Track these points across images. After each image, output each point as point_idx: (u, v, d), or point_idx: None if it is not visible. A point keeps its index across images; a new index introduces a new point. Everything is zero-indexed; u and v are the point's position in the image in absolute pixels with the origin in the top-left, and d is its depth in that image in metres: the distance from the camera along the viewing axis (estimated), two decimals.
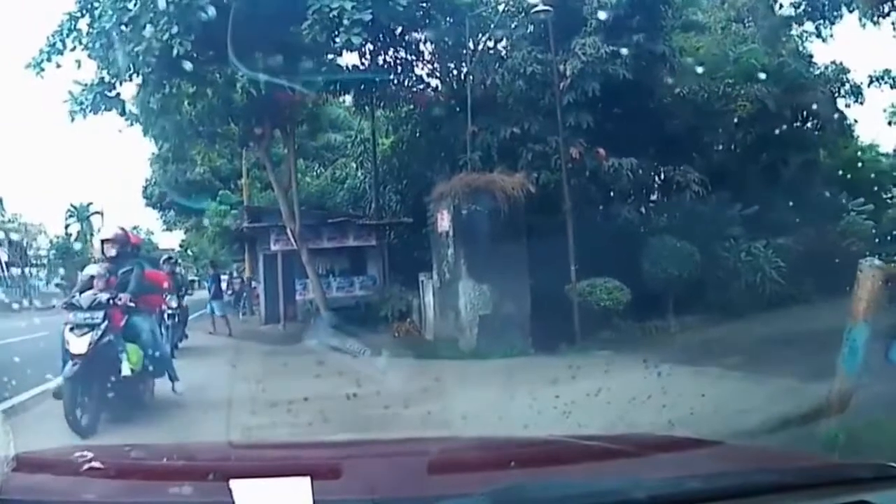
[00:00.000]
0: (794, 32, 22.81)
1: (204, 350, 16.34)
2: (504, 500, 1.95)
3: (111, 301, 8.89)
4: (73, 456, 2.60)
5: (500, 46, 19.01)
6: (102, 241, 9.94)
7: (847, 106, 21.53)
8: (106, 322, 8.72)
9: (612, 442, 2.96)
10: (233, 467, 2.65)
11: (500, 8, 18.03)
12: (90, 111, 17.96)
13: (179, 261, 16.94)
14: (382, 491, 2.05)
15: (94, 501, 2.16)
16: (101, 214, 53.21)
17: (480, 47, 18.42)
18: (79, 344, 8.48)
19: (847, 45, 35.55)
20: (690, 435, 3.96)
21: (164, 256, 17.22)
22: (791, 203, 18.78)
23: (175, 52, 15.20)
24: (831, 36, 22.60)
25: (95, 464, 2.42)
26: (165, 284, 11.35)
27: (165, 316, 14.45)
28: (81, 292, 9.05)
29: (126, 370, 8.79)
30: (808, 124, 21.18)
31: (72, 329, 8.61)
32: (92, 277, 9.29)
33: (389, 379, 10.22)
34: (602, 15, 16.43)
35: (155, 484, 2.32)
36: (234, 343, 18.22)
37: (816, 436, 4.90)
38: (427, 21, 17.26)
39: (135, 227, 57.24)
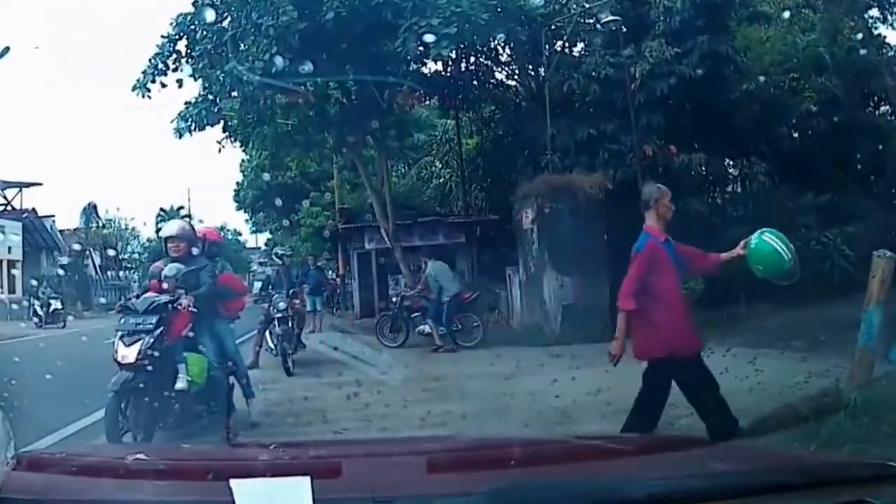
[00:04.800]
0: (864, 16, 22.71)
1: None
2: (504, 500, 1.93)
3: (170, 305, 7.77)
4: (73, 455, 2.67)
5: (574, 52, 19.87)
6: (166, 239, 8.57)
7: None
8: (161, 328, 7.60)
9: (612, 442, 2.94)
10: (233, 467, 2.60)
11: (574, 17, 18.71)
12: (196, 128, 19.47)
13: (288, 254, 15.39)
14: (382, 490, 2.00)
15: (94, 501, 2.10)
16: (190, 217, 55.16)
17: (556, 53, 19.24)
18: (127, 352, 7.46)
19: None
20: (691, 434, 4.74)
21: (275, 251, 16.49)
22: (865, 191, 19.06)
23: (275, 69, 16.51)
24: None
25: (96, 463, 2.50)
26: (242, 289, 9.98)
27: (275, 322, 13.40)
28: (141, 295, 8.12)
29: (182, 383, 7.62)
30: (881, 110, 21.45)
31: (122, 336, 7.59)
32: (153, 278, 8.28)
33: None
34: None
35: (155, 483, 2.30)
36: None
37: (840, 404, 5.92)
38: (506, 31, 17.94)
39: (221, 228, 59.31)
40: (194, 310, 7.84)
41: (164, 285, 7.97)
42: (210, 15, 17.64)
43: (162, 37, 18.63)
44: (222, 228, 59.10)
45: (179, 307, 7.77)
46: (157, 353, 7.48)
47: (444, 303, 15.57)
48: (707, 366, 6.01)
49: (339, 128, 20.24)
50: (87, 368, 10.82)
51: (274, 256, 15.69)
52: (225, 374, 8.46)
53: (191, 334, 8.00)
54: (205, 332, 8.22)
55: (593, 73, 17.87)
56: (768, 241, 5.93)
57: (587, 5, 18.48)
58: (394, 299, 17.39)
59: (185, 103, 19.26)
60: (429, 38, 15.69)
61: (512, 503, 1.97)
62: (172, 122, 19.30)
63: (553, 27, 18.91)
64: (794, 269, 5.90)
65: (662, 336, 5.79)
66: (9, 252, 36.47)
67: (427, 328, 15.71)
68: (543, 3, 18.29)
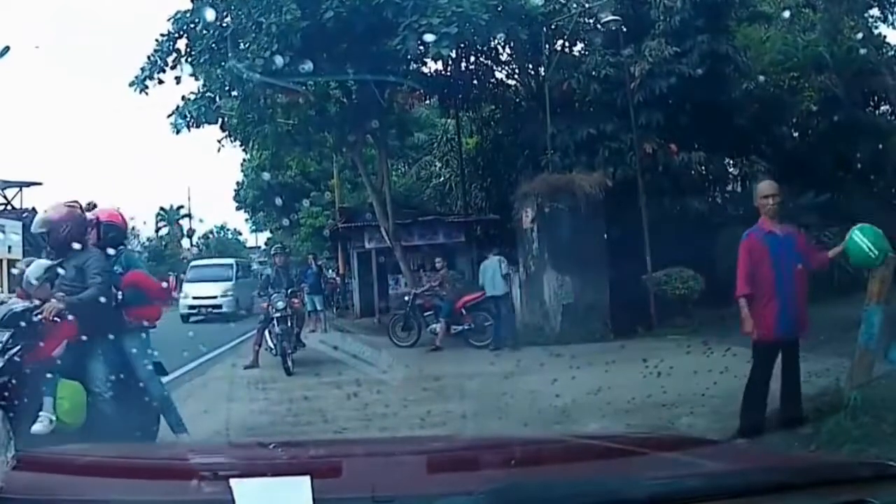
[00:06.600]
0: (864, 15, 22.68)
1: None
2: (504, 499, 1.92)
3: (28, 315, 5.93)
4: (74, 455, 2.67)
5: (574, 52, 19.82)
6: (41, 223, 6.64)
7: None
8: (18, 347, 5.83)
9: (612, 442, 2.94)
10: (233, 467, 2.61)
11: (574, 17, 18.65)
12: (194, 125, 19.40)
13: (289, 251, 15.36)
14: (382, 490, 1.98)
15: (94, 501, 2.08)
16: (190, 217, 55.20)
17: (557, 53, 19.20)
18: None
19: None
20: (691, 434, 4.71)
21: (276, 247, 16.34)
22: (865, 191, 19.06)
23: (275, 68, 16.46)
24: None
25: (96, 463, 2.47)
26: (158, 291, 7.64)
27: (274, 321, 13.12)
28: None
29: (43, 424, 5.77)
30: (881, 110, 21.45)
31: None
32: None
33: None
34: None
35: (155, 483, 2.30)
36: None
37: (840, 404, 5.95)
38: (506, 30, 17.87)
39: (222, 228, 59.18)
40: (57, 319, 5.96)
41: (34, 289, 6.27)
42: (210, 13, 17.58)
43: (161, 34, 18.60)
44: (222, 228, 59.25)
45: (41, 318, 5.90)
46: (9, 382, 5.71)
47: (492, 299, 15.68)
48: (799, 351, 6.63)
49: (339, 127, 20.20)
50: None
51: (275, 255, 15.55)
52: (128, 407, 6.45)
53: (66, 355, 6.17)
54: (97, 350, 6.34)
55: (593, 73, 17.90)
56: (857, 240, 6.63)
57: (587, 5, 18.45)
58: (406, 297, 17.26)
59: (183, 98, 19.19)
60: (429, 37, 15.64)
61: (512, 503, 1.95)
62: (169, 117, 19.23)
63: (553, 27, 18.85)
64: (886, 260, 6.61)
65: (768, 319, 6.47)
66: (9, 252, 36.39)
67: (439, 327, 15.65)
68: (543, 3, 18.24)
